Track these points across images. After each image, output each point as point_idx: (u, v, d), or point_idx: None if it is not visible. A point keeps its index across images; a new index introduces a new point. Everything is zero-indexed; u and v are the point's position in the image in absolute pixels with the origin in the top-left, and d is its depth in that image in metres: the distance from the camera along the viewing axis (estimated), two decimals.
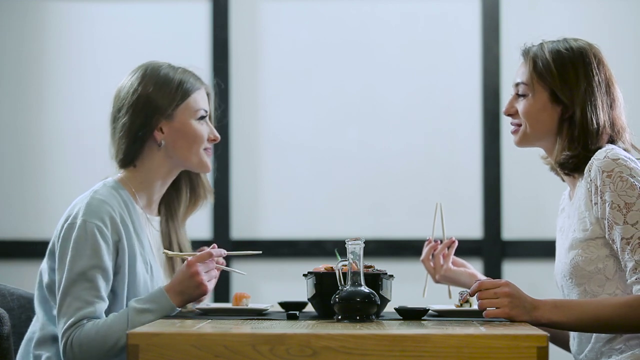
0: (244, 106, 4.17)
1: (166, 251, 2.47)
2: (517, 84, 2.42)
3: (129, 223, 2.42)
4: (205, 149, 2.54)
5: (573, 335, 2.43)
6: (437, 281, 2.69)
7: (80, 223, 2.36)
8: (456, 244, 2.68)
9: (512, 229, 4.09)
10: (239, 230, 4.13)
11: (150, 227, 2.53)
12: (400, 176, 4.12)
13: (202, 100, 2.55)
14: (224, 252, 2.43)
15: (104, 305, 2.34)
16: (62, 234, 2.38)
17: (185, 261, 2.37)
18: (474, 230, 4.09)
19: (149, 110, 2.48)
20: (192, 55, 4.16)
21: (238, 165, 4.15)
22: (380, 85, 4.15)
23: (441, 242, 2.68)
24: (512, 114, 2.43)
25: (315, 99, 4.16)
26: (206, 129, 2.54)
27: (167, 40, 4.19)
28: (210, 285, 2.38)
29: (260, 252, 2.51)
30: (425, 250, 2.69)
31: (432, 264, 2.68)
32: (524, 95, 2.40)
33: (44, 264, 2.45)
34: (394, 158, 4.13)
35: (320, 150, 4.14)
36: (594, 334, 2.34)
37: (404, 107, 4.14)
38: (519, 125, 2.42)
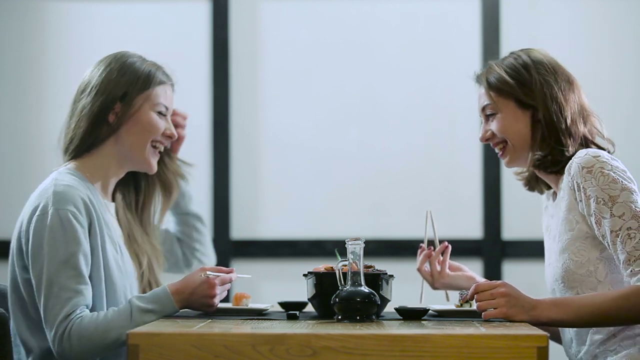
0: (244, 106, 4.17)
1: (205, 271, 2.41)
2: (482, 109, 2.47)
3: (96, 205, 2.40)
4: (154, 146, 2.51)
5: (569, 336, 2.43)
6: (435, 288, 2.68)
7: (53, 212, 2.31)
8: (450, 248, 2.67)
9: (512, 229, 4.09)
10: (239, 230, 4.13)
11: (107, 211, 2.51)
12: (400, 176, 4.13)
13: (164, 95, 2.52)
14: (236, 277, 2.43)
15: (90, 289, 2.32)
16: (32, 228, 2.33)
17: (207, 278, 2.33)
18: (474, 230, 4.09)
19: (111, 94, 2.45)
20: (192, 55, 4.17)
21: (238, 165, 4.16)
22: (380, 85, 4.15)
23: (434, 248, 2.67)
24: (489, 137, 2.47)
25: (315, 99, 4.16)
26: (163, 123, 2.51)
27: (167, 40, 4.19)
28: (214, 308, 2.38)
29: (250, 276, 2.55)
30: (419, 258, 2.67)
31: (427, 268, 2.67)
32: (492, 115, 2.43)
33: (13, 268, 2.38)
34: (394, 158, 4.13)
35: (320, 150, 4.15)
36: (589, 337, 2.35)
37: (404, 107, 4.15)
38: (502, 143, 2.45)
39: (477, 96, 2.50)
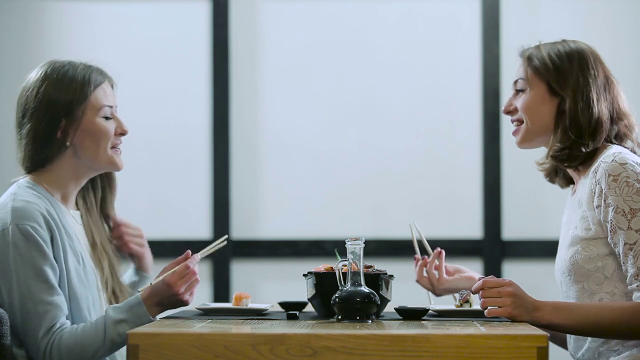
0: (244, 106, 4.17)
1: (152, 283, 2.36)
2: (515, 81, 2.46)
3: (56, 217, 2.37)
4: (113, 147, 2.47)
5: (570, 335, 2.42)
6: (438, 295, 2.68)
7: (13, 228, 2.29)
8: (443, 253, 2.67)
9: (512, 229, 4.09)
10: (239, 230, 4.13)
11: (73, 220, 2.48)
12: (400, 176, 4.13)
13: (104, 96, 2.46)
14: (197, 257, 2.39)
15: (63, 298, 2.31)
16: None
17: (162, 280, 2.31)
18: (474, 230, 4.09)
19: (53, 114, 2.41)
20: (192, 55, 4.17)
21: (238, 165, 4.16)
22: (380, 85, 4.15)
23: (428, 256, 2.67)
24: (511, 111, 2.46)
25: (315, 99, 4.16)
26: (112, 125, 2.47)
27: (167, 40, 4.19)
28: (192, 297, 2.37)
29: (226, 237, 2.48)
30: (416, 270, 2.68)
31: (425, 274, 2.67)
32: (522, 91, 2.42)
33: None
34: (394, 158, 4.13)
35: (321, 150, 4.14)
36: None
37: (404, 107, 4.15)
38: (519, 122, 2.44)
39: (516, 67, 2.48)
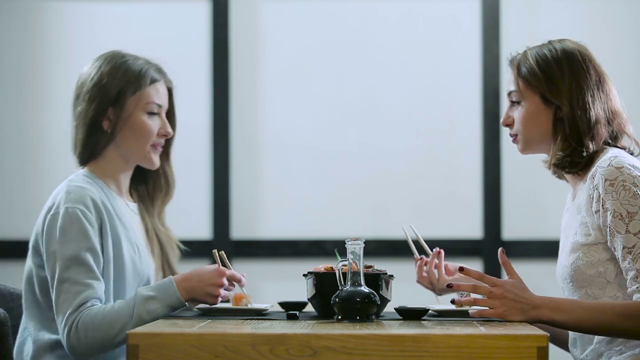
0: (244, 106, 4.17)
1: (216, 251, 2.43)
2: (509, 93, 2.43)
3: (110, 207, 2.41)
4: (153, 145, 2.50)
5: (574, 336, 2.42)
6: (439, 294, 2.68)
7: (63, 211, 2.34)
8: (442, 253, 2.67)
9: (512, 229, 4.09)
10: (239, 230, 4.13)
11: (129, 211, 2.52)
12: (400, 176, 4.13)
13: (157, 94, 2.50)
14: (244, 283, 2.43)
15: (102, 284, 2.33)
16: (46, 226, 2.36)
17: (218, 267, 2.36)
18: (474, 230, 4.09)
19: (103, 98, 2.44)
20: (192, 55, 4.17)
21: (238, 165, 4.16)
22: (380, 85, 4.15)
23: (427, 256, 2.67)
24: (509, 124, 2.43)
25: (315, 99, 4.16)
26: (157, 124, 2.50)
27: (167, 40, 4.19)
28: (217, 300, 2.38)
29: (264, 313, 2.43)
30: (417, 270, 2.68)
31: (425, 273, 2.67)
32: (517, 102, 2.40)
33: (29, 264, 2.42)
34: (394, 158, 4.13)
35: (321, 150, 4.14)
36: (596, 336, 2.34)
37: (404, 107, 4.15)
38: (515, 135, 2.42)
39: (507, 79, 2.45)
